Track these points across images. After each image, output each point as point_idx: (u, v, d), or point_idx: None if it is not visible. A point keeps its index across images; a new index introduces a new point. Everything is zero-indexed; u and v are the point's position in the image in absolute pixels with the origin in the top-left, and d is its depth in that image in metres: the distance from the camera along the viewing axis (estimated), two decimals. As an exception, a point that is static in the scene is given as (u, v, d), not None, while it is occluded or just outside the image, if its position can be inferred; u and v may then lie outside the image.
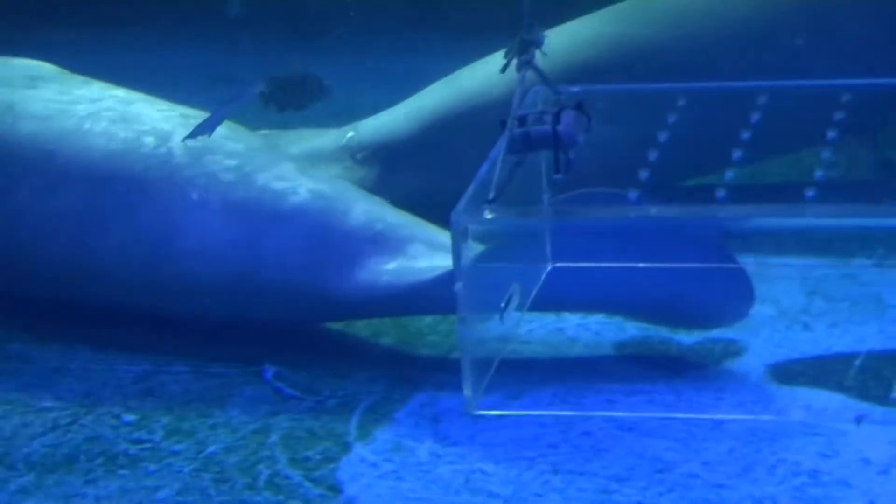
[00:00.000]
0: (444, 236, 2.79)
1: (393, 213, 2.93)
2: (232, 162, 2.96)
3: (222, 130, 2.99)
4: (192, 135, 2.92)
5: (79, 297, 3.01)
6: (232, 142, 3.01)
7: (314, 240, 2.87)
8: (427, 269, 2.80)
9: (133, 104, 3.11)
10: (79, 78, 3.24)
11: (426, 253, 2.83)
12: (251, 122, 3.28)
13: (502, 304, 2.61)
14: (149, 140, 3.00)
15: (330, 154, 3.52)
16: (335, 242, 2.87)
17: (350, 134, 3.53)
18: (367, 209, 2.91)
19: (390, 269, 2.81)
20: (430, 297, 2.79)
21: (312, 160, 3.43)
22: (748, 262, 3.07)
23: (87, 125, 3.04)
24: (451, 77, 3.52)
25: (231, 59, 4.63)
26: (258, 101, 3.95)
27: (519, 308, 2.71)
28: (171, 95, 3.21)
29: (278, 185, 2.93)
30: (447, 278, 2.67)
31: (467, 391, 2.56)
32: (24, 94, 3.14)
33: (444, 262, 2.74)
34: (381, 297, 2.83)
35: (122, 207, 2.95)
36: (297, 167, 2.99)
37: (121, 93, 3.17)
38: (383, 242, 2.87)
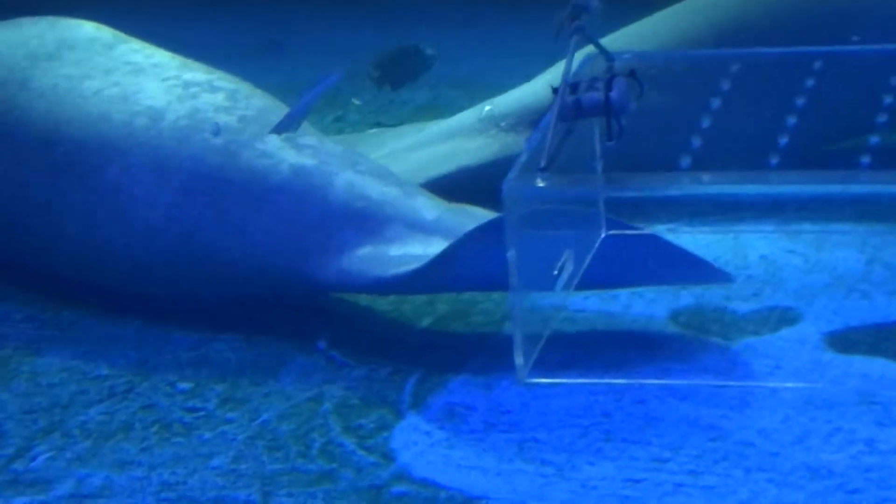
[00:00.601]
0: (430, 212, 2.80)
1: (380, 185, 2.89)
2: (219, 141, 2.96)
3: (221, 100, 3.01)
4: (278, 130, 2.93)
5: (84, 278, 3.05)
6: (225, 113, 3.01)
7: (291, 221, 2.86)
8: (396, 260, 2.78)
9: (141, 74, 3.11)
10: (108, 38, 3.24)
11: (403, 236, 2.81)
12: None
13: (555, 272, 2.60)
14: (140, 122, 3.00)
15: (471, 126, 3.49)
16: (312, 223, 2.86)
17: (487, 108, 3.50)
18: (350, 183, 2.88)
19: (362, 255, 2.80)
20: (402, 285, 2.78)
21: (452, 134, 3.44)
22: (807, 228, 3.06)
23: (88, 108, 3.05)
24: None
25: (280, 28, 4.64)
26: (371, 85, 3.94)
27: (572, 276, 2.69)
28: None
29: (261, 163, 2.91)
30: (413, 274, 2.70)
31: (518, 360, 2.55)
32: (43, 67, 3.16)
33: (417, 249, 2.74)
34: (353, 283, 2.83)
35: (111, 193, 2.96)
36: (287, 137, 2.97)
37: (140, 58, 3.17)
38: (361, 222, 2.85)
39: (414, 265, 2.74)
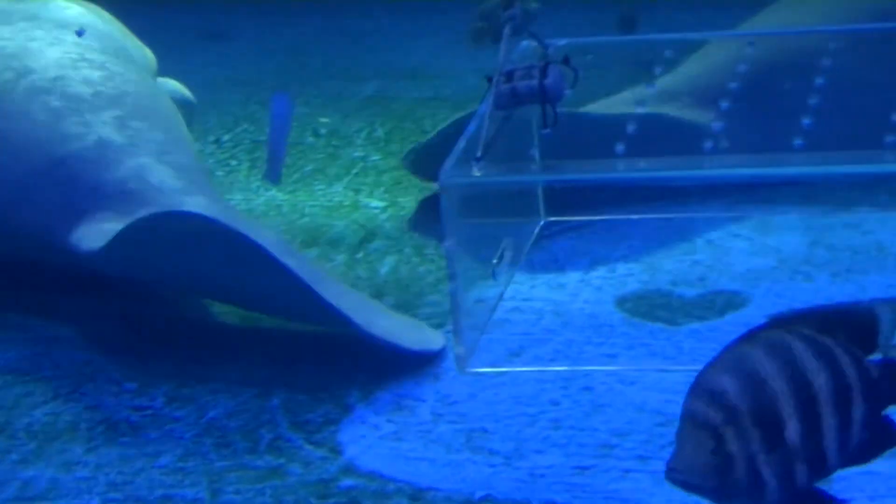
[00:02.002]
0: (195, 207, 2.78)
1: (170, 175, 2.90)
2: (56, 104, 3.01)
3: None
4: (270, 179, 2.97)
5: None
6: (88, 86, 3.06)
7: (66, 186, 2.91)
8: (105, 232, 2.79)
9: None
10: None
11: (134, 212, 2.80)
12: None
13: (494, 261, 2.60)
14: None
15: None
16: (82, 192, 2.89)
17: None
18: (141, 166, 2.90)
19: (102, 229, 2.81)
20: (96, 258, 2.80)
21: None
22: (752, 211, 3.07)
23: None
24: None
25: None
26: (469, 38, 3.88)
27: (512, 264, 2.70)
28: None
29: (75, 129, 2.97)
30: (101, 250, 2.71)
31: (459, 350, 2.55)
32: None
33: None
34: (79, 250, 2.84)
35: None
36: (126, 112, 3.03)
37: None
38: (125, 202, 2.86)
39: (101, 242, 2.75)
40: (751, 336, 1.99)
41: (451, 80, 3.67)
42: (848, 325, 1.96)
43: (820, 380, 1.92)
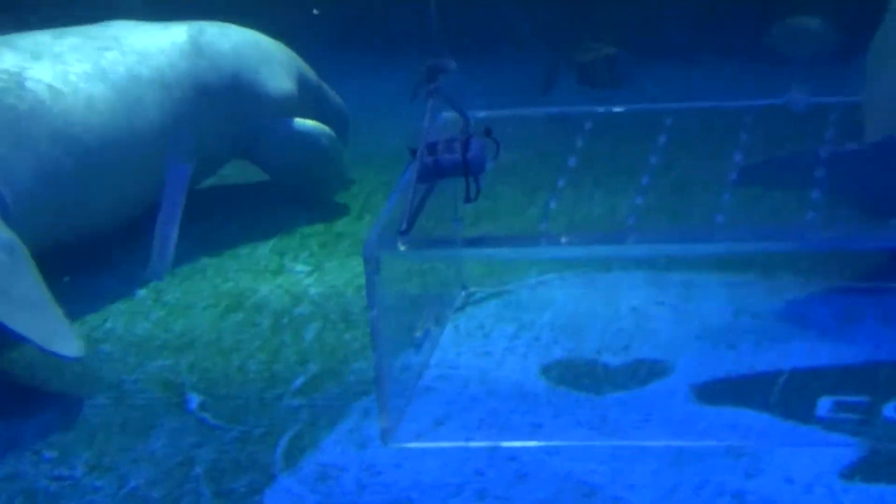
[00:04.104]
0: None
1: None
2: None
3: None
4: (153, 275, 2.97)
5: None
6: None
7: None
8: None
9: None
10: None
11: None
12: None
13: (417, 334, 2.61)
14: None
15: None
16: None
17: None
18: None
19: None
20: None
21: None
22: (674, 279, 3.09)
23: None
24: None
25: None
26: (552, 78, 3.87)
27: (436, 333, 2.70)
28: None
29: None
30: None
31: (384, 423, 2.54)
32: None
33: None
34: None
35: None
36: None
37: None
38: None
39: None
40: None
41: (380, 141, 3.67)
42: None
43: None
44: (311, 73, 3.76)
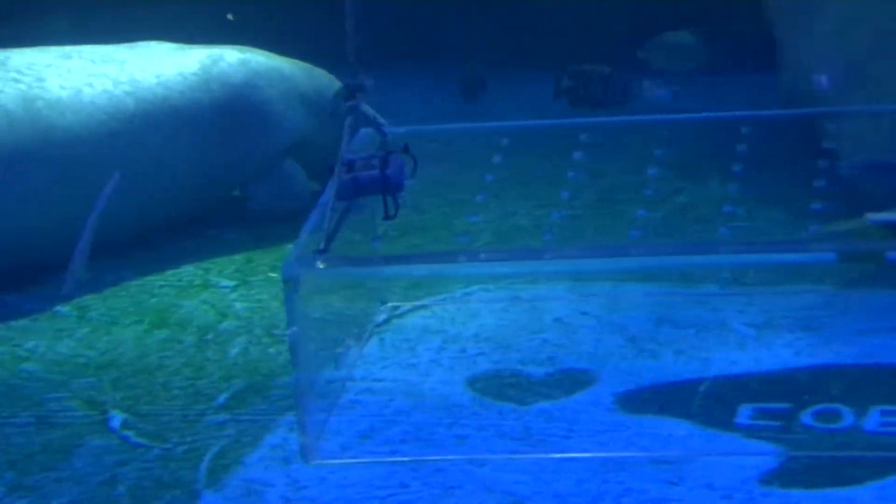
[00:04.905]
0: None
1: None
2: None
3: None
4: (67, 291, 2.96)
5: None
6: None
7: None
8: None
9: None
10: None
11: None
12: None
13: (338, 350, 2.61)
14: None
15: None
16: None
17: None
18: None
19: None
20: None
21: None
22: (598, 290, 3.12)
23: None
24: None
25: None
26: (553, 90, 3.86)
27: (358, 349, 2.70)
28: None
29: None
30: None
31: (304, 440, 2.54)
32: None
33: None
34: None
35: None
36: None
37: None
38: None
39: None
40: None
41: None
42: None
43: None
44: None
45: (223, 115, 3.54)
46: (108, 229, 3.31)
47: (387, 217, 2.51)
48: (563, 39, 4.21)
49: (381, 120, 3.60)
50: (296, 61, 3.69)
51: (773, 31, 3.74)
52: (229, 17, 3.67)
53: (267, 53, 3.67)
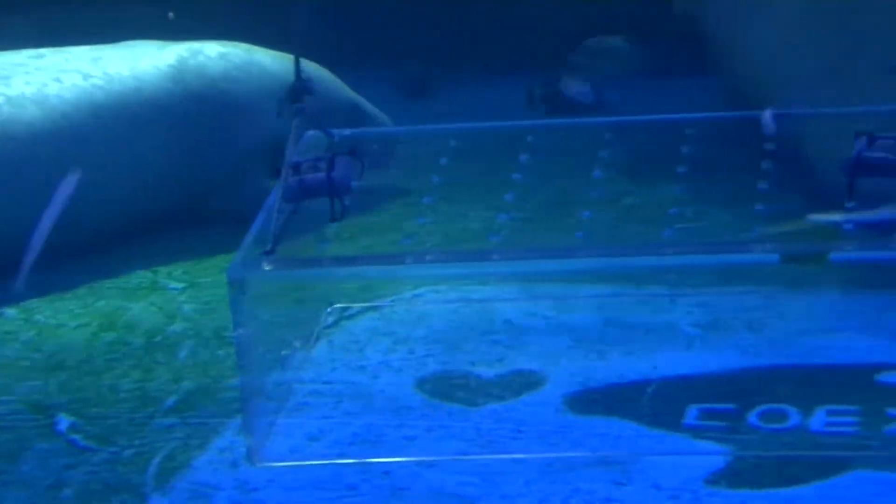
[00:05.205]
0: None
1: None
2: None
3: None
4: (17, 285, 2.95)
5: None
6: None
7: None
8: None
9: None
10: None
11: None
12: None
13: (284, 353, 2.61)
14: None
15: None
16: None
17: None
18: None
19: None
20: None
21: None
22: (548, 292, 3.13)
23: None
24: None
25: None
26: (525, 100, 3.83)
27: (306, 350, 2.70)
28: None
29: None
30: None
31: (251, 442, 2.53)
32: None
33: None
34: None
35: None
36: None
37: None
38: None
39: None
40: None
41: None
42: None
43: None
44: (344, 93, 3.70)
45: (198, 106, 3.51)
46: (77, 223, 3.29)
47: (333, 219, 2.51)
48: (502, 43, 4.23)
49: (384, 117, 3.62)
50: (283, 54, 3.66)
51: (709, 34, 3.77)
52: (170, 15, 3.64)
53: (252, 48, 3.64)
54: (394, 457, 2.64)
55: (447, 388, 2.88)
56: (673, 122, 2.92)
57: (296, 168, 2.52)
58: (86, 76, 3.43)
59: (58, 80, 3.41)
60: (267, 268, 2.44)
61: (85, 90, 3.42)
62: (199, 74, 3.51)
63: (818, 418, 2.67)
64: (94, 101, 3.42)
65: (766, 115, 2.62)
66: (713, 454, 2.59)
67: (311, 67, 3.62)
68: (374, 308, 3.13)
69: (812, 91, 3.33)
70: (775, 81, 3.44)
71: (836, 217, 2.58)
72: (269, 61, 3.62)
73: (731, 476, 2.54)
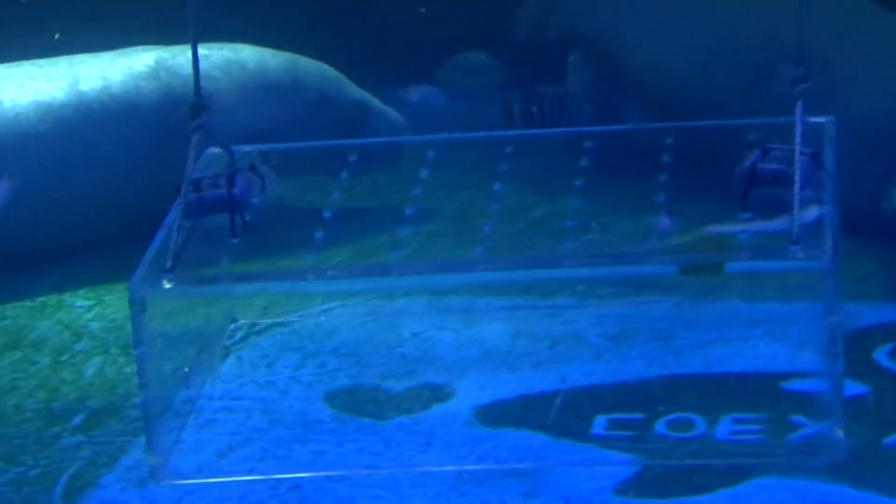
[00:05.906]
0: None
1: None
2: None
3: None
4: None
5: None
6: None
7: None
8: None
9: None
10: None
11: None
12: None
13: (185, 369, 2.60)
14: None
15: None
16: None
17: None
18: None
19: None
20: None
21: None
22: (456, 305, 3.14)
23: None
24: None
25: None
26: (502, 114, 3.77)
27: (209, 367, 2.69)
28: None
29: None
30: None
31: (152, 461, 2.52)
32: None
33: None
34: None
35: None
36: None
37: None
38: None
39: None
40: None
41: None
42: None
43: None
44: (349, 92, 3.65)
45: (168, 103, 3.45)
46: (40, 226, 3.25)
47: (233, 235, 2.50)
48: (368, 57, 4.21)
49: (395, 115, 3.60)
50: (279, 53, 3.62)
51: (586, 46, 3.80)
52: (56, 36, 3.64)
53: (238, 47, 3.59)
54: (303, 472, 2.63)
55: (357, 402, 2.88)
56: (572, 134, 2.96)
57: (196, 184, 2.50)
58: (50, 79, 3.40)
59: (20, 86, 3.37)
60: (167, 285, 2.43)
61: (45, 91, 3.38)
62: (173, 73, 3.46)
63: (724, 427, 2.71)
64: (57, 100, 3.39)
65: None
66: (622, 464, 2.62)
67: (314, 66, 3.60)
68: (283, 323, 3.12)
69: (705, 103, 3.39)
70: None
71: (732, 228, 2.62)
72: (255, 58, 3.58)
73: (640, 485, 2.56)
